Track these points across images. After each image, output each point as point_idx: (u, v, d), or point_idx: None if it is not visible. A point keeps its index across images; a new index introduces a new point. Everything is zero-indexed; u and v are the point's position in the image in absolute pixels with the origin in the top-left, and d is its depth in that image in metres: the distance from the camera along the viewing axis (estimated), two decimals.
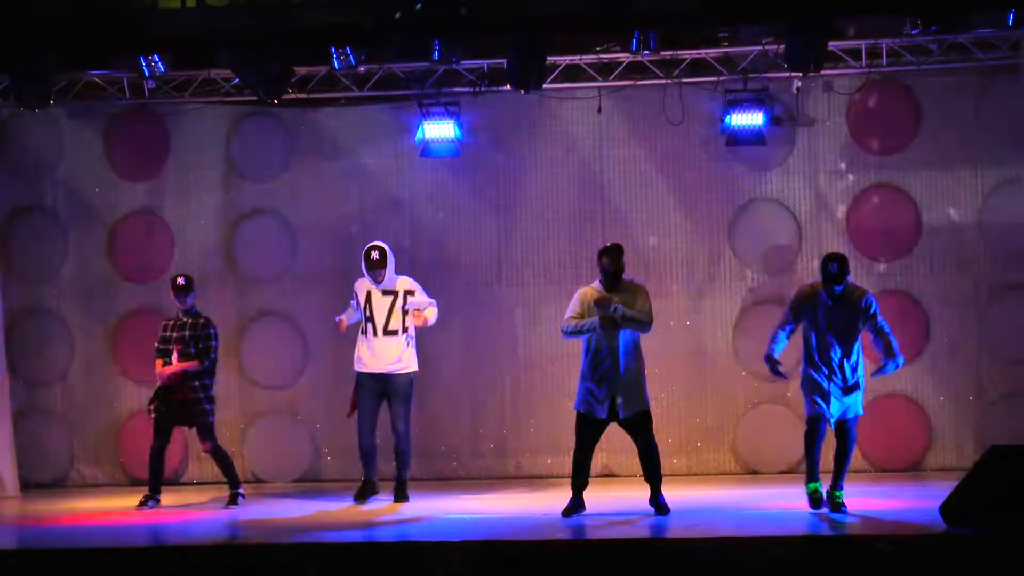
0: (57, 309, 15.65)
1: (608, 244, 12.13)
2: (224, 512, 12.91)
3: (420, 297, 13.16)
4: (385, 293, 13.06)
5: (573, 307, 11.90)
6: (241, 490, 13.37)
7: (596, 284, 11.96)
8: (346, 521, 12.11)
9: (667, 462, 14.50)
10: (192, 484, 15.09)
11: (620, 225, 15.08)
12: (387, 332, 12.99)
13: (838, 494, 11.68)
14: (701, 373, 15.12)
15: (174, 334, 13.22)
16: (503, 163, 15.35)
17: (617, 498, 12.50)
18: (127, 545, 10.94)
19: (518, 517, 12.02)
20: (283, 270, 15.52)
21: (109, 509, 13.37)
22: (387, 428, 13.24)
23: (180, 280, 13.37)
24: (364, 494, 13.16)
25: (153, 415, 13.24)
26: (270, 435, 15.48)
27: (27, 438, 15.29)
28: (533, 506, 12.52)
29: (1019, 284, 14.48)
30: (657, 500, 11.88)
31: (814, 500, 11.74)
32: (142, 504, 13.10)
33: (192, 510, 13.19)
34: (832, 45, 14.10)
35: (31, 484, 15.15)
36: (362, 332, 13.11)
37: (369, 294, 13.08)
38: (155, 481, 13.24)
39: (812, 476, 11.76)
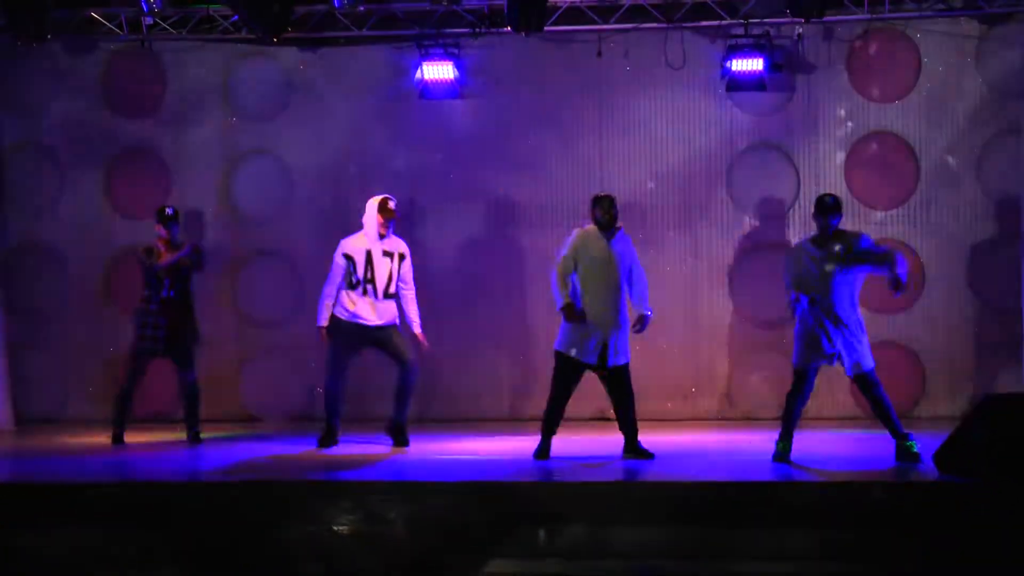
0: (54, 245, 15.64)
1: (601, 193, 12.15)
2: (205, 450, 13.01)
3: (408, 267, 12.91)
4: (385, 254, 12.79)
5: (567, 248, 11.88)
6: (196, 431, 13.43)
7: (592, 228, 11.96)
8: (337, 460, 12.19)
9: (661, 407, 14.67)
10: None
11: (618, 169, 15.06)
12: (387, 296, 12.76)
13: (909, 444, 11.46)
14: (696, 318, 15.14)
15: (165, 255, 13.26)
16: (502, 105, 15.31)
17: (615, 442, 12.42)
18: (109, 481, 11.07)
19: (510, 460, 12.06)
20: (280, 210, 15.50)
21: (99, 444, 13.42)
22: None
23: (169, 210, 13.38)
24: (329, 440, 12.89)
25: (143, 342, 13.26)
26: (265, 374, 15.50)
27: (22, 373, 15.31)
28: (527, 448, 12.49)
29: (1015, 233, 14.47)
30: (638, 447, 11.93)
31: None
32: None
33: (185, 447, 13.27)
34: None
35: (26, 418, 15.17)
36: (357, 291, 12.71)
37: (369, 254, 12.74)
38: (123, 419, 13.42)
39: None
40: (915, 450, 11.33)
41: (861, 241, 11.52)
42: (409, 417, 13.10)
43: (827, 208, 11.58)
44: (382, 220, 12.75)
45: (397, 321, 12.89)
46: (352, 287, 12.74)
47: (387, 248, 12.80)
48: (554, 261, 12.00)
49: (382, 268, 12.75)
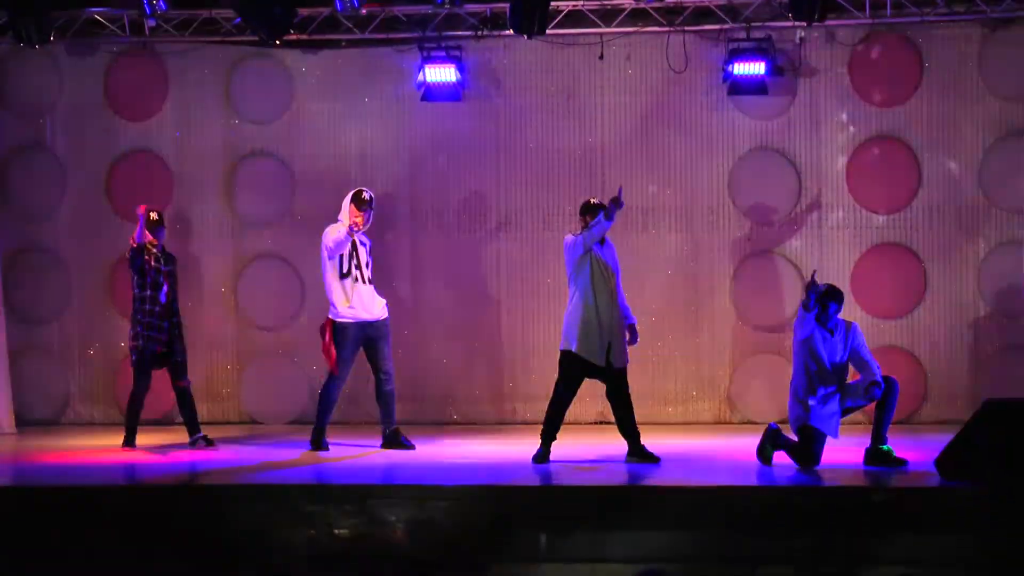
0: (55, 248, 15.65)
1: (593, 201, 12.03)
2: (214, 453, 12.95)
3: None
4: (361, 243, 12.91)
5: (583, 240, 11.78)
6: (202, 434, 13.35)
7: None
8: (335, 463, 12.20)
9: (662, 411, 14.68)
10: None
11: (620, 172, 15.04)
12: (368, 280, 12.90)
13: (887, 448, 11.50)
14: (698, 322, 15.14)
15: (163, 267, 13.21)
16: (504, 108, 15.31)
17: (616, 446, 12.37)
18: (111, 484, 11.08)
19: (510, 463, 12.01)
20: (281, 212, 15.49)
21: (101, 447, 13.41)
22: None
23: (155, 215, 13.33)
24: (321, 442, 12.92)
25: (143, 352, 13.22)
26: (266, 377, 15.49)
27: (24, 376, 15.32)
28: (526, 452, 12.47)
29: (1017, 238, 14.47)
30: (644, 451, 11.85)
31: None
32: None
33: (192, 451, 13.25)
34: None
35: (27, 421, 15.16)
36: (349, 279, 12.79)
37: (353, 243, 12.86)
38: (135, 425, 13.36)
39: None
40: (894, 455, 11.41)
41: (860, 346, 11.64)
42: (401, 420, 13.12)
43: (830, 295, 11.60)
44: (357, 210, 12.79)
45: (385, 311, 12.95)
46: (344, 275, 12.79)
47: (360, 238, 12.91)
48: (574, 244, 11.83)
49: (363, 254, 12.88)
